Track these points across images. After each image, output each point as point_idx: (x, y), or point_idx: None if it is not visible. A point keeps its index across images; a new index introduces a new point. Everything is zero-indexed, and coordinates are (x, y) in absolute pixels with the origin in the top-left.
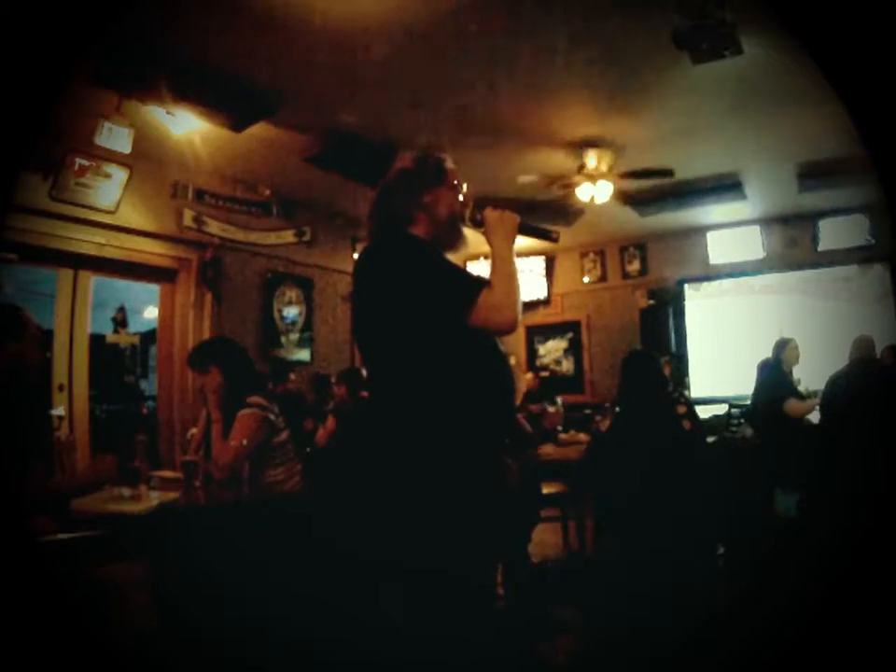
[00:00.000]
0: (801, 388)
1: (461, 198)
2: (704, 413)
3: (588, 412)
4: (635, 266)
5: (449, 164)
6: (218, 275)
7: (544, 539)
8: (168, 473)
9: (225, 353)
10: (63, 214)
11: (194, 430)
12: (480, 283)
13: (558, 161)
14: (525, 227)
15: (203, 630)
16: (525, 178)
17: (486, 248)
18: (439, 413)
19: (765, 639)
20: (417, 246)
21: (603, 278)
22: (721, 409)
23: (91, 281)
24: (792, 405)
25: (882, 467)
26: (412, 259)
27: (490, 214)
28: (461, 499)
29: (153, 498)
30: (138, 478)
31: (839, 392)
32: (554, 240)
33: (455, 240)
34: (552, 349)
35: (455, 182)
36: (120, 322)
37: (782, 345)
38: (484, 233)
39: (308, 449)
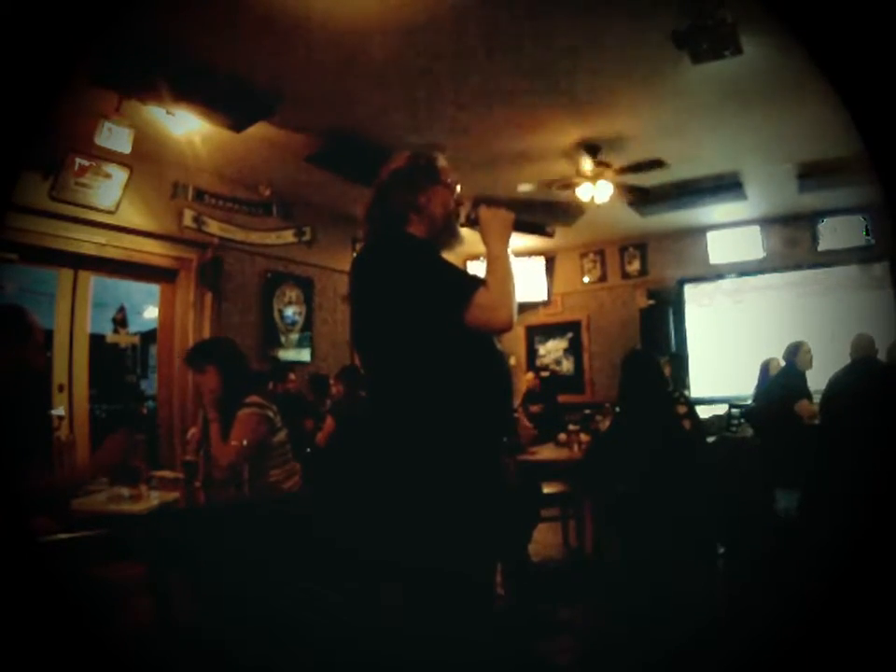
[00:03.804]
0: None
1: (455, 196)
2: (704, 412)
3: (588, 412)
4: (635, 266)
5: (441, 163)
6: (218, 275)
7: (544, 539)
8: (168, 473)
9: (223, 353)
10: (63, 214)
11: (194, 430)
12: (475, 282)
13: (558, 160)
14: (520, 223)
15: (203, 630)
16: (523, 187)
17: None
18: (437, 413)
19: (765, 639)
20: (414, 246)
21: (603, 278)
22: (721, 409)
23: (91, 281)
24: (804, 406)
25: (882, 467)
26: (408, 259)
27: (485, 212)
28: (461, 498)
29: (153, 498)
30: (138, 478)
31: (840, 392)
32: (550, 234)
33: (451, 239)
34: (552, 349)
35: (449, 180)
36: (120, 322)
37: (796, 349)
38: (480, 233)
39: (308, 449)
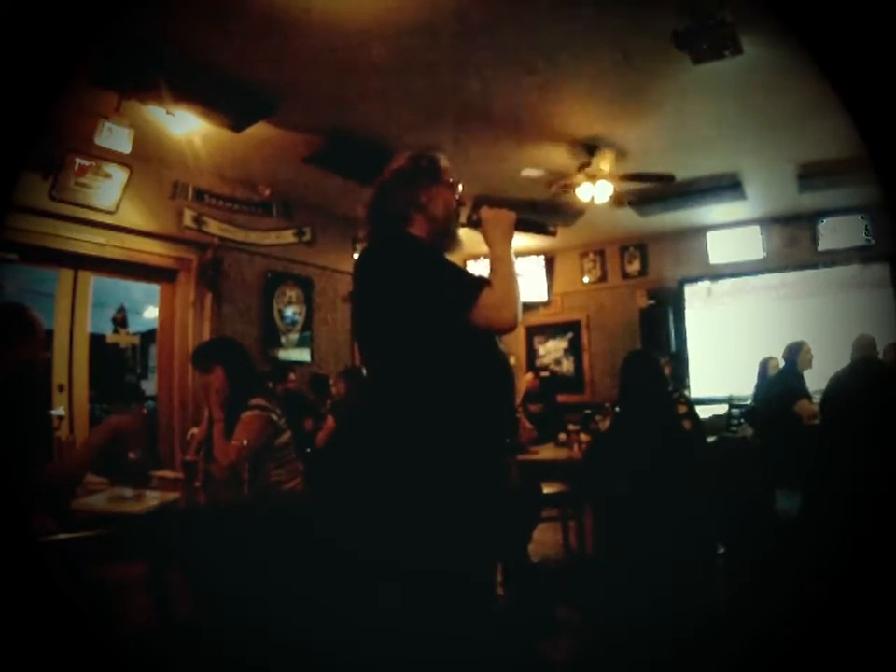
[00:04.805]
0: None
1: (457, 196)
2: (704, 413)
3: (588, 412)
4: (635, 266)
5: (443, 163)
6: (218, 275)
7: (544, 539)
8: (168, 473)
9: (230, 353)
10: (63, 214)
11: (195, 430)
12: (480, 282)
13: (559, 160)
14: (522, 223)
15: (202, 630)
16: (528, 172)
17: (486, 248)
18: (439, 413)
19: (765, 639)
20: (417, 246)
21: (603, 278)
22: (721, 409)
23: (91, 281)
24: (804, 405)
25: (882, 467)
26: (411, 259)
27: (486, 213)
28: (463, 498)
29: (153, 498)
30: (138, 477)
31: (840, 392)
32: (552, 233)
33: (453, 239)
34: (552, 349)
35: (451, 180)
36: (120, 322)
37: (796, 349)
38: (482, 233)
39: (308, 449)
